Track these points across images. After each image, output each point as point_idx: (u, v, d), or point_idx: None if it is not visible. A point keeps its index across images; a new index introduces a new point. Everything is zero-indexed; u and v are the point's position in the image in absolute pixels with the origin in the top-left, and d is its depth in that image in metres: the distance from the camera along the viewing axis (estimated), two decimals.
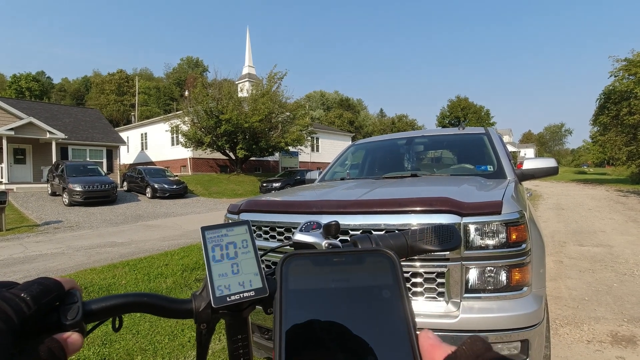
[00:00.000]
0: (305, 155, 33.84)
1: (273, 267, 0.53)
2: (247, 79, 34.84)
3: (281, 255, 0.31)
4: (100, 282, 5.31)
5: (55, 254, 7.53)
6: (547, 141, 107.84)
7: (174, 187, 18.24)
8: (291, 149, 27.20)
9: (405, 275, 1.71)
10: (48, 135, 20.02)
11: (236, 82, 32.71)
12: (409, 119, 79.43)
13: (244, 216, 2.22)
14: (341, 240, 0.55)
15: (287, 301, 0.27)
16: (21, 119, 19.37)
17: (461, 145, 3.55)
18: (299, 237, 0.54)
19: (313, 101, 72.00)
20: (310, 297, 0.28)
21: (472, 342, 0.25)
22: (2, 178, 18.78)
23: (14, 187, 17.78)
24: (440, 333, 1.57)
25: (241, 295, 0.41)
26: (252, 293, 0.42)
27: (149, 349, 3.05)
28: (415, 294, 1.72)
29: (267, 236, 2.09)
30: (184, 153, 27.44)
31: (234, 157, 25.35)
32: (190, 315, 0.45)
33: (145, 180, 18.52)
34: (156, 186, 17.94)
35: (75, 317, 0.36)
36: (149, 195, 18.23)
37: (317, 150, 37.20)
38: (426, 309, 1.67)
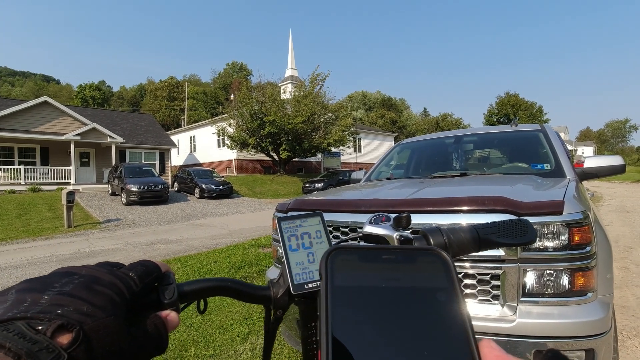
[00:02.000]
0: (348, 155, 33.79)
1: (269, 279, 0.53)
2: (289, 81, 35.42)
3: None
4: None
5: (116, 249, 8.09)
6: (608, 138, 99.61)
7: (221, 187, 18.93)
8: (333, 149, 27.30)
9: (459, 276, 1.66)
10: (109, 140, 21.56)
11: (279, 85, 33.36)
12: (454, 117, 76.79)
13: (292, 215, 2.26)
14: (412, 232, 0.55)
15: (333, 298, 0.25)
16: (86, 125, 21.03)
17: (514, 143, 3.38)
18: (370, 229, 0.55)
19: (355, 102, 71.71)
20: (357, 295, 0.26)
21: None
22: (70, 179, 20.48)
23: (80, 187, 19.31)
24: (495, 338, 1.51)
25: (318, 283, 0.42)
26: None
27: (201, 341, 3.19)
28: (467, 295, 1.66)
29: None
30: (230, 154, 28.42)
31: (277, 158, 25.87)
32: (268, 301, 0.48)
33: (194, 181, 19.38)
34: (204, 187, 18.71)
35: (172, 296, 0.39)
36: (197, 195, 19.05)
37: (360, 151, 37.01)
38: (479, 312, 1.61)
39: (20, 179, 19.27)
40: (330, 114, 25.16)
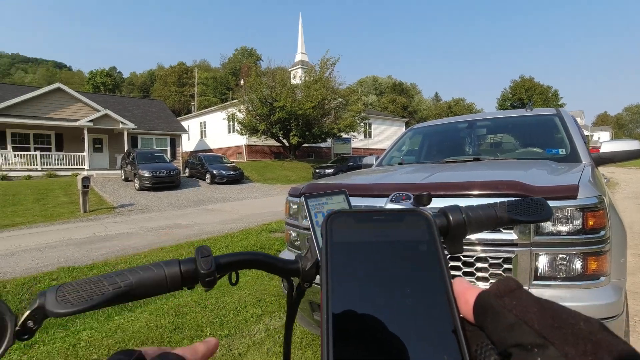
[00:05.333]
0: (358, 141, 33.59)
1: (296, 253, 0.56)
2: (299, 66, 35.10)
3: None
4: None
5: (130, 233, 8.27)
6: (626, 123, 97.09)
7: (231, 173, 19.08)
8: (344, 135, 27.17)
9: (470, 259, 1.68)
10: (121, 126, 21.79)
11: (289, 70, 33.08)
12: (466, 102, 75.54)
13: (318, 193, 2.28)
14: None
15: (332, 251, 0.30)
16: (98, 111, 21.25)
17: (529, 128, 3.33)
18: (391, 207, 0.57)
19: (365, 86, 70.92)
20: (353, 249, 0.30)
21: (505, 279, 0.27)
22: (84, 165, 20.84)
23: (94, 173, 19.65)
24: None
25: None
26: None
27: (216, 322, 3.29)
28: (479, 279, 1.68)
29: None
30: (240, 140, 28.50)
31: (287, 144, 25.87)
32: (297, 273, 0.50)
33: (205, 166, 19.55)
34: (215, 172, 18.87)
35: (210, 267, 0.43)
36: (208, 181, 19.24)
37: (370, 136, 36.75)
38: None
39: (37, 165, 19.67)
40: (340, 99, 24.96)
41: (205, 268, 0.42)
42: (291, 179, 21.70)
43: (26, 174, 18.75)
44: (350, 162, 22.47)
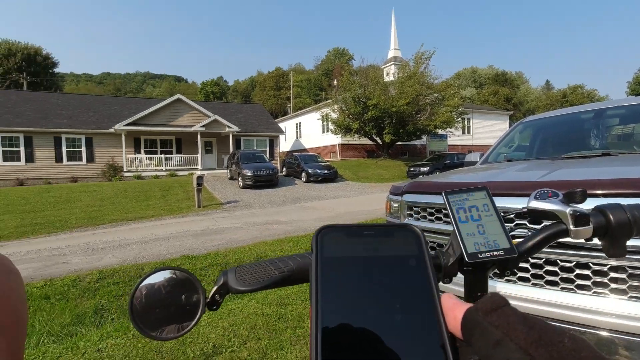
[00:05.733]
0: (455, 137, 31.63)
1: (437, 248, 0.55)
2: (392, 63, 34.46)
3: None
4: (272, 254, 6.16)
5: (237, 227, 9.07)
6: None
7: (326, 172, 19.61)
8: (440, 131, 25.91)
9: (603, 268, 1.47)
10: (227, 129, 24.01)
11: (382, 67, 32.73)
12: (585, 89, 65.88)
13: (406, 197, 2.24)
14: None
15: (322, 266, 0.30)
16: (209, 117, 23.75)
17: None
18: (535, 204, 0.54)
19: (463, 79, 66.58)
20: (342, 263, 0.31)
21: (492, 296, 0.27)
22: (197, 165, 23.49)
23: (205, 172, 22.01)
24: None
25: (491, 253, 0.44)
26: (500, 252, 0.44)
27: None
28: (613, 291, 1.46)
29: (433, 218, 2.08)
30: (333, 139, 29.13)
31: (380, 142, 25.64)
32: (440, 269, 0.50)
33: (301, 165, 20.43)
34: (310, 171, 19.61)
35: None
36: (303, 179, 20.08)
37: (468, 132, 34.41)
38: (631, 310, 1.40)
39: (162, 166, 22.79)
40: (436, 94, 23.85)
41: None
42: (384, 178, 21.46)
43: (154, 173, 21.87)
44: (447, 160, 21.34)
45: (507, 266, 0.47)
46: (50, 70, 49.60)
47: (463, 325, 0.27)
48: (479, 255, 0.44)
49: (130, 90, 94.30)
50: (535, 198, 0.54)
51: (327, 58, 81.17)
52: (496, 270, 0.48)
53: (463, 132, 33.50)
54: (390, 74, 31.30)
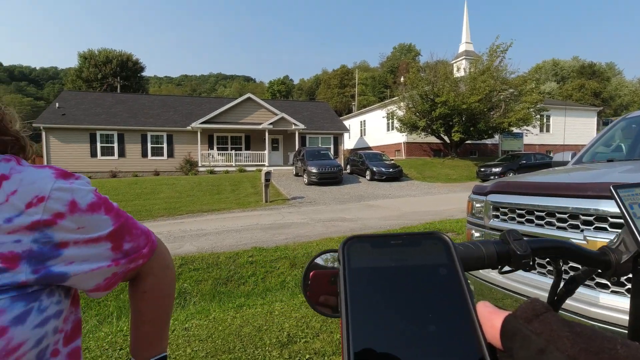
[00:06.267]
0: (532, 136, 29.09)
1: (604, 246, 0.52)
2: (464, 57, 32.80)
3: None
4: None
5: (302, 223, 9.29)
6: None
7: (390, 170, 19.28)
8: (515, 129, 24.11)
9: None
10: (293, 127, 24.67)
11: (451, 62, 31.25)
12: None
13: (492, 197, 2.13)
14: None
15: (350, 278, 0.30)
16: (276, 115, 24.60)
17: None
18: None
19: (542, 73, 61.29)
20: (371, 274, 0.30)
21: (532, 302, 0.26)
22: (264, 161, 24.47)
23: (271, 168, 22.80)
24: None
25: None
26: None
27: None
28: None
29: (523, 220, 1.95)
30: (398, 138, 28.53)
31: (448, 141, 24.57)
32: (609, 266, 0.48)
33: (365, 163, 20.29)
34: (374, 169, 19.41)
35: (526, 250, 0.45)
36: (368, 177, 19.92)
37: (548, 130, 31.56)
38: None
39: (232, 162, 24.10)
40: (512, 90, 22.22)
41: (522, 250, 0.44)
42: (452, 178, 20.55)
43: (225, 169, 23.21)
44: (522, 160, 19.80)
45: None
46: (139, 74, 54.95)
47: (502, 334, 0.25)
48: None
49: (205, 91, 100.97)
50: None
51: (393, 55, 79.60)
52: None
53: (541, 131, 30.83)
54: (461, 69, 29.76)
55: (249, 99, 25.26)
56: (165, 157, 24.37)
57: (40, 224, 0.57)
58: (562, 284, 0.56)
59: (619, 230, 1.60)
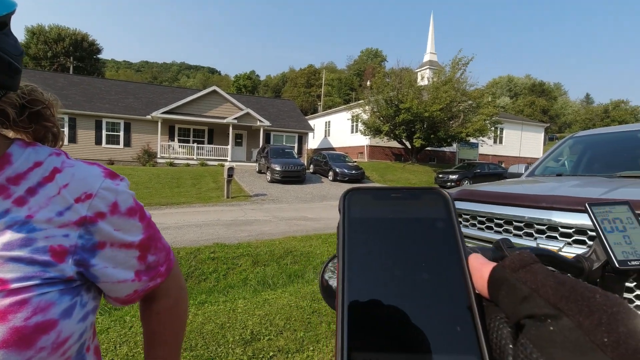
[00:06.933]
0: (487, 147, 30.87)
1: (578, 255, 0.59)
2: (427, 67, 34.00)
3: None
4: (301, 249, 6.27)
5: (265, 220, 9.24)
6: None
7: (353, 172, 19.60)
8: (471, 139, 25.37)
9: None
10: (258, 123, 24.37)
11: (416, 71, 32.31)
12: (629, 105, 62.79)
13: (456, 204, 2.26)
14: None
15: (349, 227, 0.31)
16: (242, 110, 24.17)
17: None
18: None
19: (498, 87, 64.82)
20: (369, 225, 0.31)
21: (520, 253, 0.27)
22: (227, 157, 23.99)
23: (234, 164, 22.41)
24: None
25: None
26: None
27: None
28: None
29: (483, 226, 2.10)
30: (362, 140, 29.05)
31: (409, 146, 25.38)
32: (582, 272, 0.55)
33: (329, 164, 20.47)
34: (337, 170, 19.64)
35: None
36: (330, 178, 20.12)
37: (500, 142, 33.50)
38: None
39: (194, 155, 23.41)
40: (470, 102, 23.36)
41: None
42: (412, 182, 21.25)
43: (186, 162, 22.50)
44: (477, 169, 20.86)
45: None
46: (95, 56, 51.85)
47: (490, 283, 0.26)
48: (628, 262, 0.48)
49: (166, 79, 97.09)
50: None
51: (360, 58, 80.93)
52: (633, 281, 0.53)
53: (495, 142, 32.66)
54: (424, 78, 30.88)
55: (214, 91, 24.62)
56: (121, 145, 23.20)
57: (86, 221, 0.58)
58: None
59: (568, 240, 1.76)
